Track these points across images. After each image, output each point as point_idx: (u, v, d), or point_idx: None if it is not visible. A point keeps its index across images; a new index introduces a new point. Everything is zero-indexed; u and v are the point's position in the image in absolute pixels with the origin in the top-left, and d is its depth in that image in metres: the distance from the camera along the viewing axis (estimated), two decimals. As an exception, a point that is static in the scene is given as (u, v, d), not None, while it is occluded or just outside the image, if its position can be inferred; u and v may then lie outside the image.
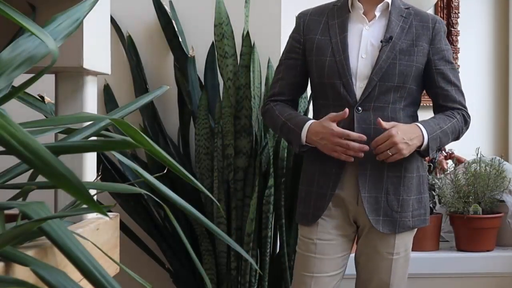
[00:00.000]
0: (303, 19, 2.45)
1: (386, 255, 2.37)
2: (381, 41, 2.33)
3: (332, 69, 2.32)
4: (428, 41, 2.38)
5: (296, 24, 2.48)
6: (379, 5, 2.38)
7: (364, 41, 2.35)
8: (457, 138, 2.43)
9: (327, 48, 2.35)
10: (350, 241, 2.42)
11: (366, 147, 2.24)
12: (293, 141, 2.35)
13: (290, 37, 2.48)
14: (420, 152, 2.32)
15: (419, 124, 2.31)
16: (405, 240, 2.39)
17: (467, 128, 2.44)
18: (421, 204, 2.39)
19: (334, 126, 2.25)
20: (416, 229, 2.42)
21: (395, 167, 2.32)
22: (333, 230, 2.37)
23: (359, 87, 2.31)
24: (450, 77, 2.40)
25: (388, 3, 2.39)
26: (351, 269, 2.46)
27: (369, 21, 2.37)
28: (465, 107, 2.44)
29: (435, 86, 2.40)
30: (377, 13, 2.38)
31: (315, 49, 2.38)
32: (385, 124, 2.24)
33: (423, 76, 2.39)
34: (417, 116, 2.42)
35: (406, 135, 2.25)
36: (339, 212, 2.36)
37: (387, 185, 2.32)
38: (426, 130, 2.29)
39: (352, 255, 2.46)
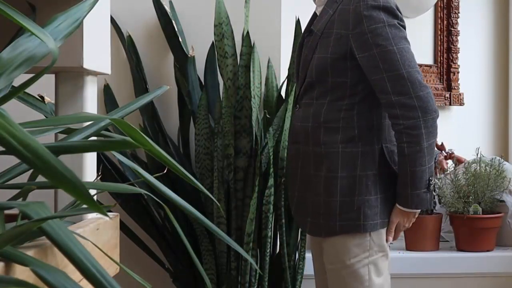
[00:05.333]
0: None
1: (324, 264, 2.22)
2: (305, 35, 2.25)
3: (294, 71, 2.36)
4: (346, 27, 2.09)
5: None
6: None
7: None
8: (423, 146, 2.09)
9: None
10: None
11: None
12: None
13: None
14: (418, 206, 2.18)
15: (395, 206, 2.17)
16: (335, 247, 2.15)
17: (425, 122, 2.06)
18: (353, 208, 2.12)
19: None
20: (358, 237, 2.14)
21: (317, 166, 2.16)
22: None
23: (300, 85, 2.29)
24: (377, 63, 2.05)
25: None
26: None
27: (318, 15, 2.24)
28: (404, 94, 2.05)
29: (368, 78, 2.11)
30: (320, 4, 2.24)
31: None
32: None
33: (354, 67, 2.11)
34: (352, 110, 2.13)
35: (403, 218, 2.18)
36: None
37: (313, 184, 2.17)
38: (398, 203, 2.16)
39: None
